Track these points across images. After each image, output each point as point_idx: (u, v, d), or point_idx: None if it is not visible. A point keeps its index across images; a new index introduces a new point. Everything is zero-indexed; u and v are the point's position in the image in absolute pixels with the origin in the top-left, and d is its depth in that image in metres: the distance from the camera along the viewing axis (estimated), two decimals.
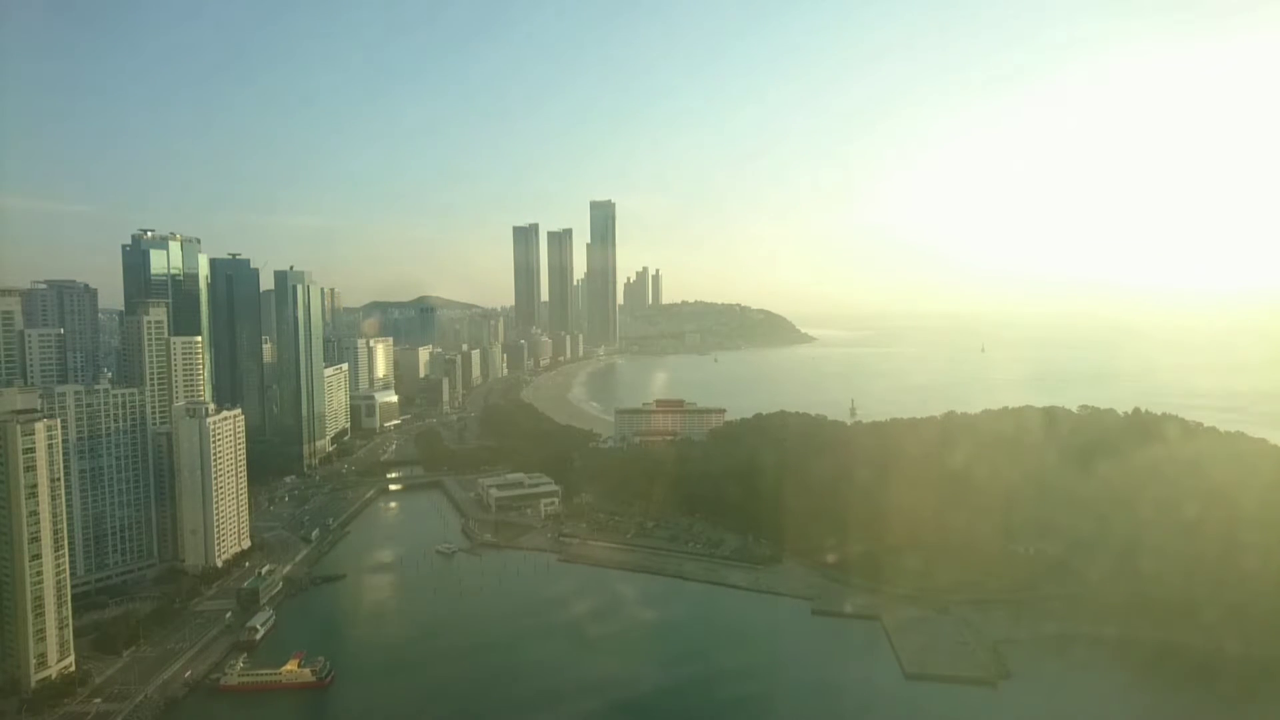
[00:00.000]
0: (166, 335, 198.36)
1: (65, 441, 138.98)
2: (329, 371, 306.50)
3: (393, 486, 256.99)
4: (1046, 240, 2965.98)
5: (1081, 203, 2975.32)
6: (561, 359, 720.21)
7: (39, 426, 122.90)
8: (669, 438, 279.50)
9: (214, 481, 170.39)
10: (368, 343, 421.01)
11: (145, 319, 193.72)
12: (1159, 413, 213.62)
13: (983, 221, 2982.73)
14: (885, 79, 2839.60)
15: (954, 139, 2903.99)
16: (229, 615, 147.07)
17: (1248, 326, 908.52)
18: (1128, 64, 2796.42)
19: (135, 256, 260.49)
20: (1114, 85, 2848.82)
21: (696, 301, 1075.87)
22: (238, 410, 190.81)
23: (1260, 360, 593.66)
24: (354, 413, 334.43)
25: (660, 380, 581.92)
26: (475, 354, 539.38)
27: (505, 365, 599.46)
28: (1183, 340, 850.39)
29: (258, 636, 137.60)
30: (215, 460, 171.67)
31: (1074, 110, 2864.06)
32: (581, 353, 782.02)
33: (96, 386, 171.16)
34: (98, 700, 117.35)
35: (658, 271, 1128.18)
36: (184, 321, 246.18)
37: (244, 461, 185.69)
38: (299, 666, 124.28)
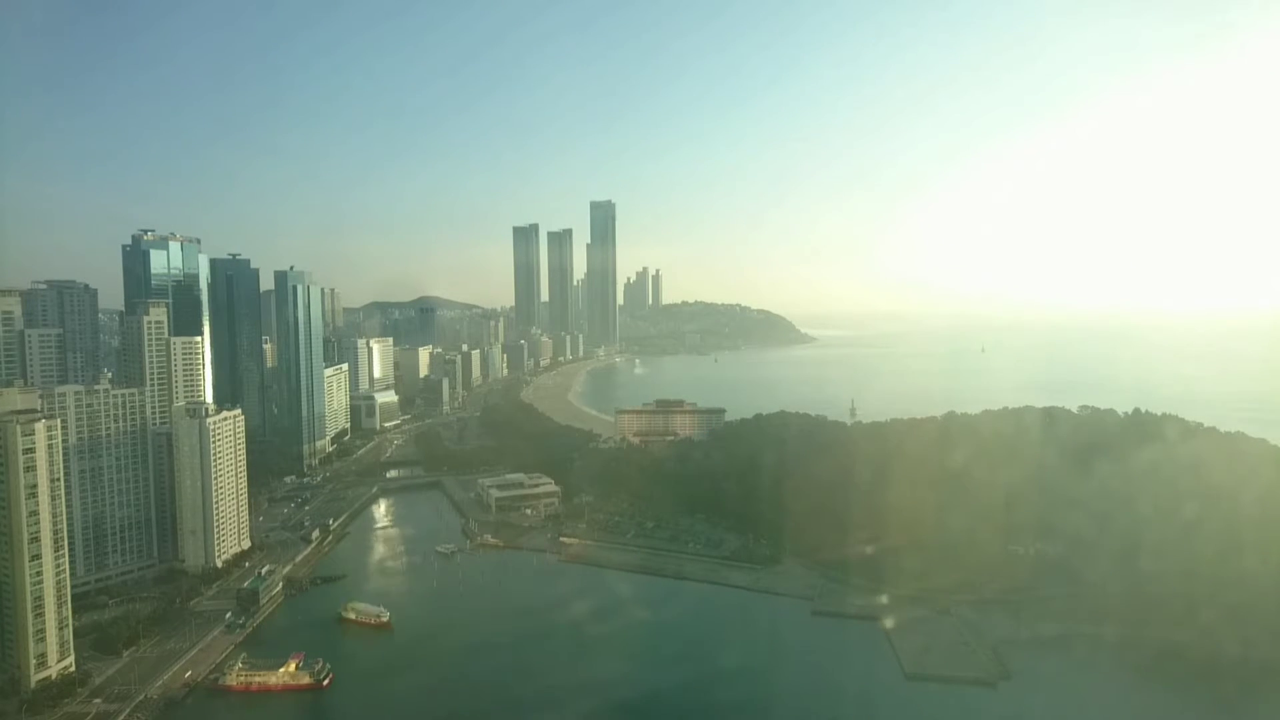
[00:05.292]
0: (166, 335, 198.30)
1: (65, 442, 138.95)
2: (329, 372, 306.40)
3: (393, 487, 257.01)
4: (1045, 250, 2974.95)
5: (1079, 218, 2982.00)
6: (561, 359, 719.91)
7: (39, 426, 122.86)
8: (669, 438, 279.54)
9: (214, 482, 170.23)
10: (368, 343, 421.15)
11: (145, 319, 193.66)
12: (1159, 413, 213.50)
13: (984, 228, 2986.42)
14: (890, 84, 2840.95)
15: (957, 149, 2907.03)
16: (229, 615, 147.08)
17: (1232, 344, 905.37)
18: (1131, 81, 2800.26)
19: (135, 257, 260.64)
20: (1116, 104, 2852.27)
21: (696, 301, 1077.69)
22: (238, 410, 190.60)
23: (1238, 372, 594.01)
24: (354, 413, 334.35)
25: (660, 380, 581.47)
26: (475, 354, 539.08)
27: (505, 366, 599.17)
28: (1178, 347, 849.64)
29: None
30: (215, 460, 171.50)
31: (1072, 126, 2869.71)
32: (581, 353, 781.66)
33: (96, 386, 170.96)
34: (98, 700, 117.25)
35: (658, 271, 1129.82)
36: (184, 322, 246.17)
37: (244, 461, 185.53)
38: (298, 668, 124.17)
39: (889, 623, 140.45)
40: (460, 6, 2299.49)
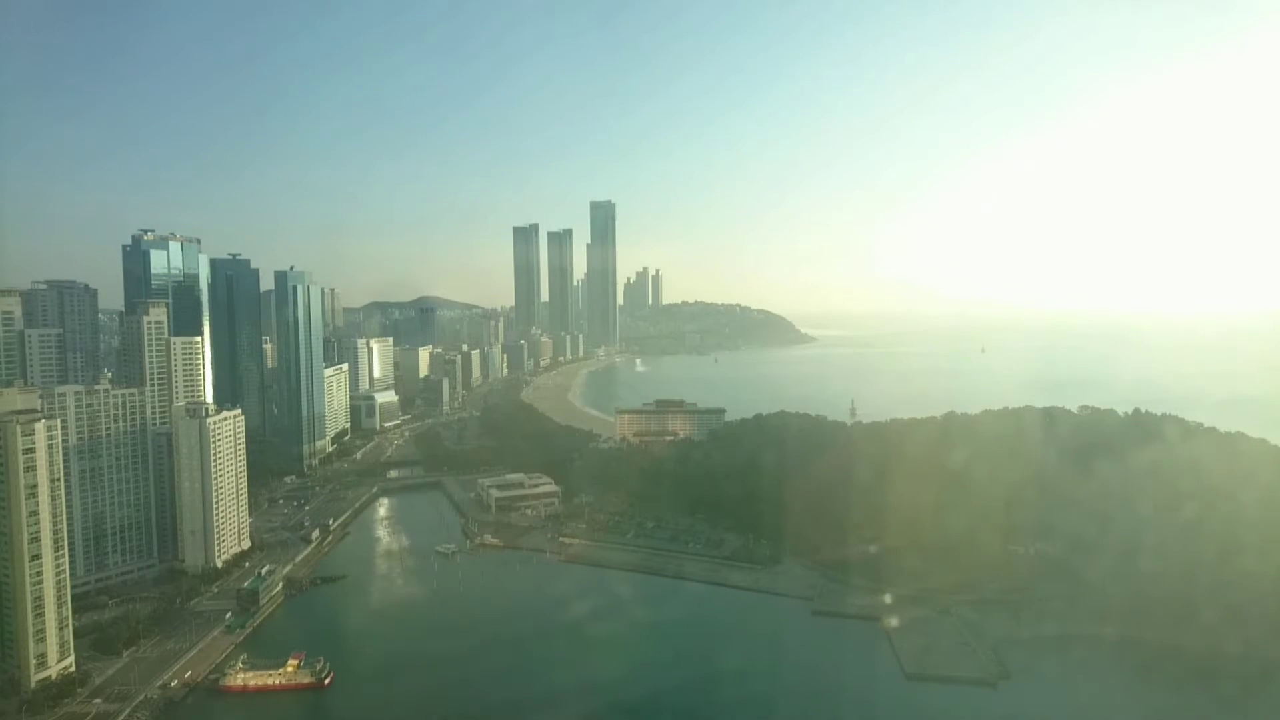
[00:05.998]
0: (166, 335, 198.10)
1: (65, 442, 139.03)
2: (329, 372, 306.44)
3: (393, 487, 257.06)
4: (1045, 250, 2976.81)
5: (1079, 219, 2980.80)
6: (561, 359, 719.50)
7: (39, 427, 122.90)
8: (669, 438, 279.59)
9: (214, 482, 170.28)
10: (368, 343, 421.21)
11: (145, 319, 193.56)
12: (1159, 413, 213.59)
13: (984, 228, 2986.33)
14: (890, 84, 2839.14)
15: (957, 149, 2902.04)
16: (229, 615, 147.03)
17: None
18: (1131, 81, 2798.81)
19: (135, 257, 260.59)
20: (1116, 105, 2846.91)
21: (696, 301, 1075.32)
22: (238, 410, 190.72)
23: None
24: (354, 413, 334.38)
25: (660, 380, 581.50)
26: (475, 354, 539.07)
27: (505, 366, 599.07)
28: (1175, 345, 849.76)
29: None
30: (215, 460, 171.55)
31: (1072, 127, 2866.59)
32: (581, 353, 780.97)
33: (96, 387, 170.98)
34: (98, 700, 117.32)
35: (658, 271, 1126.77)
36: (184, 322, 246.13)
37: (244, 461, 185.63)
38: (298, 667, 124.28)
39: (889, 623, 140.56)
40: (459, 7, 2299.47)
